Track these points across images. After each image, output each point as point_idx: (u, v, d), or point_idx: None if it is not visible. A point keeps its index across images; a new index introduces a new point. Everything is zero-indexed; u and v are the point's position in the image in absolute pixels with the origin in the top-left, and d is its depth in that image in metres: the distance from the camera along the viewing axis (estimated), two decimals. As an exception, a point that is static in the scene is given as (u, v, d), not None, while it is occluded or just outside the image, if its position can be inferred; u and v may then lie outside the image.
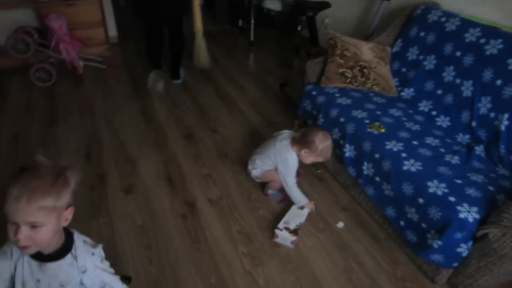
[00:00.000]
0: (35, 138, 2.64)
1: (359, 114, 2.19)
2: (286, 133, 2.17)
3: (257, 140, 2.67)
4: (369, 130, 2.07)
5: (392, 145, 1.95)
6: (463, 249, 1.60)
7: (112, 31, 4.24)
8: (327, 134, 2.06)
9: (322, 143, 2.01)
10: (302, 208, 2.11)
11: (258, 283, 1.76)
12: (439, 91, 2.31)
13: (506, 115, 1.99)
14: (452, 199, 1.63)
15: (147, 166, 2.44)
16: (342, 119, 2.19)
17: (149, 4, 2.99)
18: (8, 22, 3.52)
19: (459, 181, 1.72)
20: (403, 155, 1.89)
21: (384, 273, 1.86)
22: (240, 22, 4.91)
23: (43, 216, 0.93)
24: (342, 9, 3.77)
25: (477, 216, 1.56)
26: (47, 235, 0.96)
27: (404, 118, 2.21)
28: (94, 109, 3.02)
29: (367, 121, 2.13)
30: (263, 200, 2.24)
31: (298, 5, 3.82)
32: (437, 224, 1.64)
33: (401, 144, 1.96)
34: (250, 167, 2.22)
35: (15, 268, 1.05)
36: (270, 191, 2.23)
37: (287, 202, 2.19)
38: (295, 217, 2.04)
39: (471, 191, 1.67)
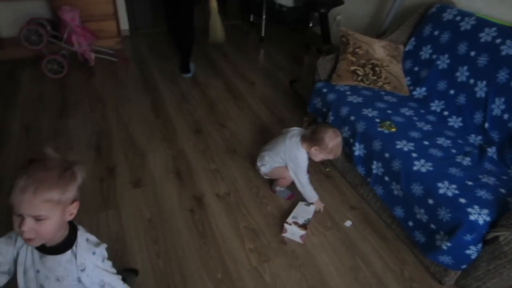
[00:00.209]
0: (46, 129, 2.66)
1: (369, 112, 2.18)
2: (296, 130, 2.16)
3: (266, 136, 2.67)
4: (379, 129, 2.06)
5: (403, 145, 1.93)
6: (472, 251, 1.59)
7: (124, 24, 4.25)
8: (337, 132, 2.04)
9: (333, 141, 2.00)
10: (308, 205, 2.11)
11: (264, 279, 1.76)
12: (452, 91, 2.28)
13: (520, 117, 1.96)
14: (462, 200, 1.61)
15: (156, 159, 2.45)
16: (352, 118, 2.18)
17: None
18: (22, 13, 3.55)
19: (470, 183, 1.71)
20: (414, 155, 1.87)
21: (391, 273, 1.85)
22: (251, 17, 4.90)
23: (48, 209, 0.93)
24: (354, 6, 3.73)
25: (488, 219, 1.55)
26: (51, 228, 0.96)
27: (415, 118, 2.19)
28: (105, 102, 3.04)
29: (377, 120, 2.12)
30: (271, 197, 2.24)
31: (310, 1, 3.78)
32: (446, 226, 1.62)
33: (411, 144, 1.94)
34: (259, 163, 2.22)
35: (17, 255, 1.06)
36: (278, 188, 2.23)
37: (294, 200, 2.18)
38: (303, 212, 2.05)
39: (482, 193, 1.65)
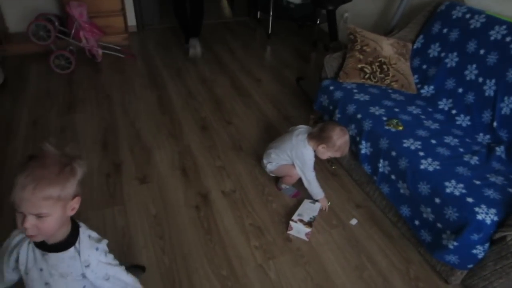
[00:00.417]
0: (53, 125, 2.68)
1: (376, 110, 2.16)
2: (302, 128, 2.15)
3: (272, 133, 2.66)
4: (386, 127, 2.04)
5: (410, 143, 1.92)
6: (479, 251, 1.58)
7: (131, 20, 4.26)
8: (344, 130, 2.04)
9: (340, 139, 1.99)
10: (314, 202, 2.11)
11: (269, 277, 1.77)
12: (460, 90, 2.25)
13: (529, 116, 1.94)
14: (470, 200, 1.60)
15: (162, 156, 2.46)
16: (359, 115, 2.16)
17: None
18: (30, 8, 3.57)
19: (477, 182, 1.69)
20: (421, 153, 1.86)
21: (396, 271, 1.84)
22: (259, 14, 4.88)
23: (48, 206, 0.93)
24: (362, 4, 3.70)
25: (495, 218, 1.53)
26: (52, 224, 0.96)
27: (423, 116, 2.17)
28: (111, 98, 3.05)
29: (384, 118, 2.10)
30: (276, 194, 2.23)
31: (318, -2, 3.76)
32: (453, 225, 1.61)
33: (419, 142, 1.92)
34: (265, 161, 2.21)
35: (18, 255, 1.06)
36: (283, 186, 2.23)
37: (300, 197, 2.18)
38: (308, 210, 2.05)
39: (489, 193, 1.63)
